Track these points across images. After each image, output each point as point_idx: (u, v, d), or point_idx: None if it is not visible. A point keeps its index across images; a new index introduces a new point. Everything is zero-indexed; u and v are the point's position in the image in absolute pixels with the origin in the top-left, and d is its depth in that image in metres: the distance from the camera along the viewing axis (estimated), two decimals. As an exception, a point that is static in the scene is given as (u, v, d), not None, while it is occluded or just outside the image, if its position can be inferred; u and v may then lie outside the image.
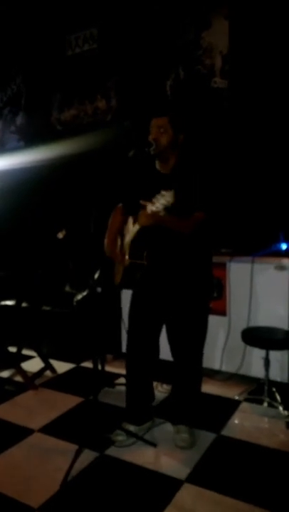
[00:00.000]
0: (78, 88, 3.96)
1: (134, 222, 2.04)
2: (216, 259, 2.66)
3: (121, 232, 2.19)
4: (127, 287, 2.42)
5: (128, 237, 2.09)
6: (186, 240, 2.04)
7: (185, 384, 2.22)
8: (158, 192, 1.81)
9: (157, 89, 3.46)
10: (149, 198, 1.87)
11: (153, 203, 1.79)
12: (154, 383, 2.35)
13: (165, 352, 2.24)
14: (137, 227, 2.00)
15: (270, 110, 2.97)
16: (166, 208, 1.79)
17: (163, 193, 1.76)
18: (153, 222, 1.90)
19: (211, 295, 2.76)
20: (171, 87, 3.42)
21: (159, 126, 2.05)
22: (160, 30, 3.45)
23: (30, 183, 4.07)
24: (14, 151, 4.36)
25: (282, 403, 2.50)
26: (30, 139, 4.31)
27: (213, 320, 2.74)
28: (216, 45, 3.22)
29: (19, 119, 4.39)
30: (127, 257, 2.05)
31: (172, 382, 2.32)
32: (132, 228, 2.08)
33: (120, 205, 2.27)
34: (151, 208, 1.81)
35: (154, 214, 1.83)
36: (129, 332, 2.24)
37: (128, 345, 2.25)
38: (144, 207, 1.87)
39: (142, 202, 1.87)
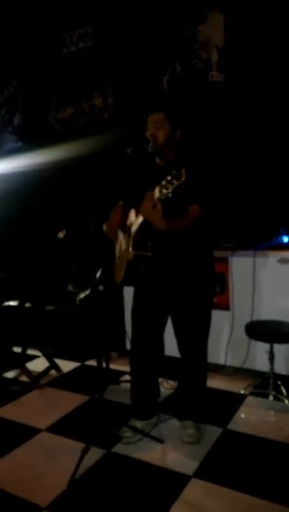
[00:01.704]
0: (75, 86, 3.95)
1: (138, 215, 2.04)
2: (218, 253, 2.66)
3: (123, 228, 2.18)
4: (129, 284, 2.40)
5: (132, 230, 2.07)
6: (187, 232, 2.02)
7: (191, 379, 2.22)
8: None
9: (154, 84, 3.44)
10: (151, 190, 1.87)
11: (163, 187, 1.76)
12: (160, 379, 2.35)
13: (171, 348, 2.24)
14: (141, 218, 1.98)
15: (268, 103, 2.95)
16: (172, 194, 1.75)
17: (174, 172, 1.73)
18: (149, 217, 1.90)
19: (214, 289, 2.76)
20: (168, 82, 3.41)
21: (155, 122, 2.04)
22: (155, 25, 3.42)
23: (30, 184, 4.07)
24: (13, 151, 4.36)
25: (288, 396, 2.50)
26: (28, 139, 4.31)
27: (216, 315, 2.73)
28: (212, 38, 3.20)
29: (16, 120, 4.39)
30: (130, 249, 2.02)
31: (178, 378, 2.32)
32: (135, 221, 2.07)
33: (121, 202, 2.27)
34: (159, 193, 1.78)
35: (153, 209, 1.83)
36: (132, 327, 2.24)
37: (132, 340, 2.25)
38: (149, 195, 1.86)
39: (147, 193, 1.86)
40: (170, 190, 1.75)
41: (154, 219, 1.89)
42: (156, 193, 1.82)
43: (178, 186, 1.73)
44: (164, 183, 1.76)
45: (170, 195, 1.76)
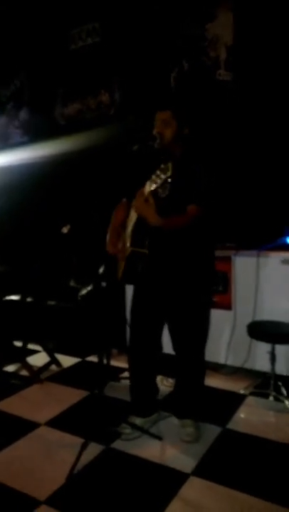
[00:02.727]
0: (81, 82, 3.94)
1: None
2: (221, 253, 2.66)
3: (124, 226, 2.17)
4: (129, 282, 2.40)
5: (130, 226, 2.07)
6: (184, 231, 2.02)
7: (188, 378, 2.22)
8: None
9: (161, 81, 3.43)
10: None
11: (152, 181, 1.82)
12: (159, 377, 2.35)
13: (169, 346, 2.23)
14: (136, 214, 2.00)
15: (276, 102, 2.94)
16: (163, 190, 1.82)
17: (162, 166, 1.78)
18: (142, 212, 1.93)
19: (213, 288, 2.74)
20: (176, 79, 3.39)
21: (162, 119, 2.04)
22: (164, 22, 3.41)
23: (35, 178, 4.07)
24: (18, 146, 4.35)
25: (288, 397, 2.50)
26: (33, 134, 4.30)
27: (218, 314, 2.74)
28: (220, 36, 3.19)
29: (22, 114, 4.38)
30: (128, 244, 2.02)
31: (175, 377, 2.32)
32: (132, 217, 2.07)
33: (125, 200, 2.26)
34: (149, 187, 1.84)
35: (145, 204, 1.89)
36: (131, 326, 2.23)
37: (130, 340, 2.25)
38: (140, 190, 1.91)
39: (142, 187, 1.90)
40: (159, 184, 1.80)
41: (147, 214, 1.92)
42: (147, 187, 1.86)
43: (165, 180, 1.79)
44: (153, 177, 1.82)
45: (159, 188, 1.84)
